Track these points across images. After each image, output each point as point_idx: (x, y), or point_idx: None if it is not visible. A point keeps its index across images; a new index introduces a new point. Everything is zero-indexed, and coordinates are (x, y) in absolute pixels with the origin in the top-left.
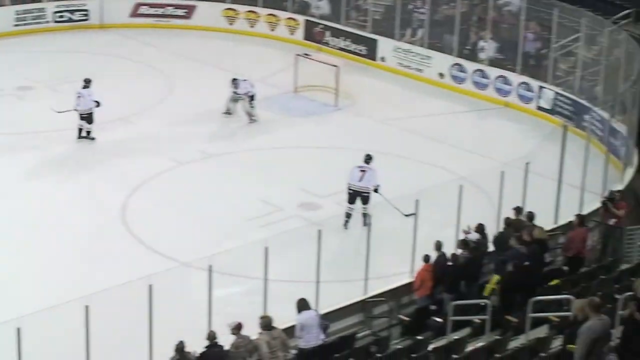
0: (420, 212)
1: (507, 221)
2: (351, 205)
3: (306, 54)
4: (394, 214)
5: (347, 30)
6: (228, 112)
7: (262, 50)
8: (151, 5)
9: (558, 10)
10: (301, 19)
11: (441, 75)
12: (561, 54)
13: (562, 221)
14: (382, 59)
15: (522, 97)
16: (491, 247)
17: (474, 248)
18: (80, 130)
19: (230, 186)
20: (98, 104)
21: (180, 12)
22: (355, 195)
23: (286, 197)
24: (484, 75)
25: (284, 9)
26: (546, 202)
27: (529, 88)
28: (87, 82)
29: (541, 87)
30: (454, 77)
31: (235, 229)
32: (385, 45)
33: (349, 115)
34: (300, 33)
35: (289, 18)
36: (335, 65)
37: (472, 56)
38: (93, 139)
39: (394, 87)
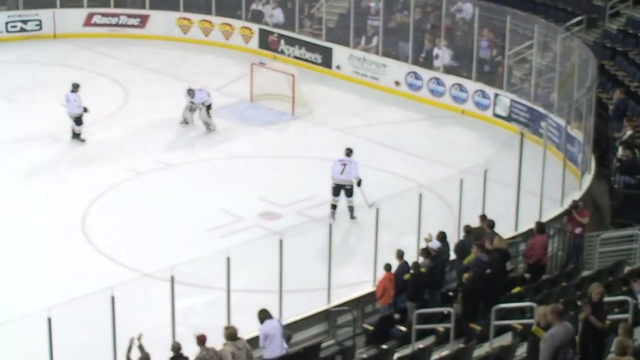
0: (381, 220)
1: (467, 229)
2: (335, 197)
3: (262, 63)
4: (355, 223)
5: (302, 39)
6: (185, 122)
7: (217, 60)
8: (104, 15)
9: (511, 18)
10: (255, 27)
11: (397, 83)
12: (515, 61)
13: (522, 228)
14: (338, 67)
15: (478, 105)
16: (452, 256)
17: (435, 256)
18: (73, 131)
19: (189, 196)
20: (85, 109)
21: (134, 21)
22: (339, 188)
23: (246, 206)
24: (439, 82)
25: (239, 18)
26: (505, 209)
27: (484, 95)
28: (75, 87)
29: (497, 95)
30: (410, 85)
31: (196, 239)
32: (340, 54)
33: (307, 124)
34: (255, 42)
35: (244, 27)
36: (291, 74)
37: (428, 64)
38: (83, 140)
39: (350, 95)
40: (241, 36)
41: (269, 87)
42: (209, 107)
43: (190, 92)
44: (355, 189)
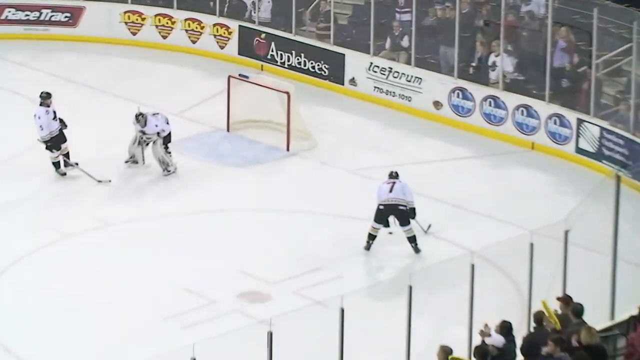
0: (415, 301)
1: (538, 316)
2: (378, 225)
3: (243, 76)
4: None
5: (301, 42)
6: (133, 160)
7: (180, 71)
8: (19, 8)
9: (599, 11)
10: (235, 25)
11: (437, 104)
12: (607, 72)
13: (622, 316)
14: (353, 82)
15: (553, 136)
16: (520, 357)
17: (496, 358)
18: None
19: (137, 269)
20: (63, 122)
21: (61, 16)
22: (387, 212)
23: (220, 283)
24: (497, 104)
25: (211, 12)
26: (596, 287)
27: (562, 122)
28: (45, 98)
29: (581, 121)
30: (455, 107)
31: (148, 332)
32: (355, 62)
33: (307, 164)
34: (234, 46)
35: (218, 24)
36: (285, 92)
37: (481, 77)
38: (74, 164)
39: (370, 121)
40: (214, 37)
41: (253, 110)
42: (166, 139)
43: (140, 118)
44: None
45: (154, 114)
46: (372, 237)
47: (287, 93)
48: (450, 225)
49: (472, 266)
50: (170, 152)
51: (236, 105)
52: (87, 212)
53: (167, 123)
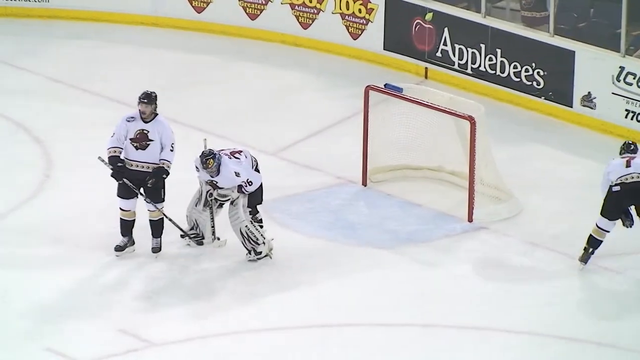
0: None
1: None
2: (607, 224)
3: (391, 88)
4: None
5: (498, 29)
6: (194, 235)
7: (277, 76)
8: None
9: None
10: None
11: None
12: None
13: None
14: (587, 100)
15: None
16: None
17: None
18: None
19: None
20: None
21: None
22: (627, 196)
23: None
24: None
25: None
26: None
27: None
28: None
29: None
30: None
31: None
32: (594, 67)
33: (503, 244)
34: (376, 34)
35: None
36: (466, 118)
37: None
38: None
39: None
40: (341, 20)
41: (409, 149)
42: (254, 199)
43: (210, 162)
44: None
45: (232, 153)
46: (594, 243)
47: (471, 119)
48: None
49: None
50: (261, 222)
51: (379, 140)
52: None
53: (256, 169)
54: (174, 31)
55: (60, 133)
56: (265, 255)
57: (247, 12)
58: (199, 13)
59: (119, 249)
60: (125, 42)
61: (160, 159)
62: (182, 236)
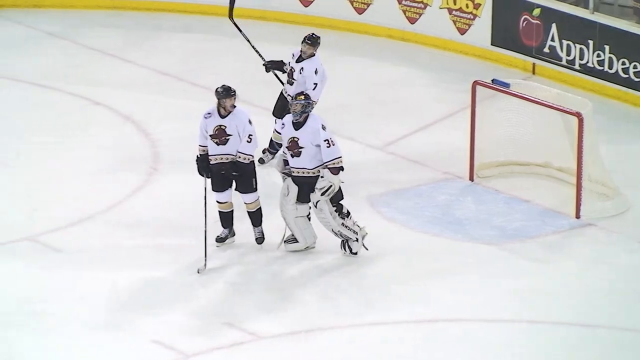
0: None
1: None
2: None
3: (499, 83)
4: None
5: (607, 25)
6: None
7: (384, 69)
8: None
9: None
10: None
11: None
12: None
13: None
14: None
15: None
16: None
17: None
18: None
19: None
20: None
21: None
22: None
23: None
24: None
25: None
26: None
27: None
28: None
29: None
30: None
31: None
32: None
33: (611, 242)
34: (483, 30)
35: None
36: (574, 114)
37: None
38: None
39: None
40: (449, 15)
41: (517, 145)
42: (337, 196)
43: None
44: None
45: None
46: None
47: (578, 115)
48: None
49: None
50: (348, 214)
51: (487, 135)
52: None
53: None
54: (281, 25)
55: (167, 126)
56: (360, 247)
57: (354, 6)
58: (306, 7)
59: (220, 240)
60: (233, 35)
61: (237, 151)
62: (285, 241)
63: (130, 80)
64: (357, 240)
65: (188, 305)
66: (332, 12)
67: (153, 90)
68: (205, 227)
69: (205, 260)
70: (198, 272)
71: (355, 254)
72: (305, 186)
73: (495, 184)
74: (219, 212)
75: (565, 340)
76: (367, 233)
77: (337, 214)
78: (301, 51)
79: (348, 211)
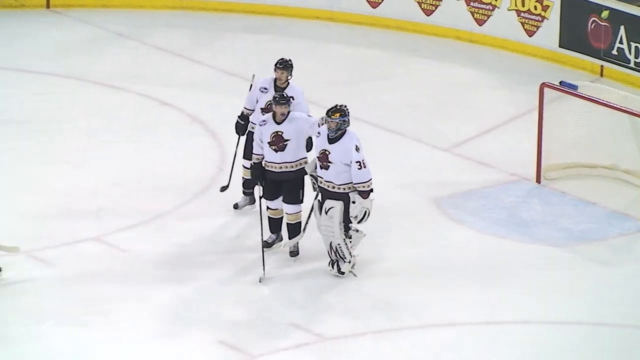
0: None
1: None
2: None
3: (567, 85)
4: None
5: None
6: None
7: (451, 71)
8: None
9: None
10: None
11: None
12: None
13: None
14: None
15: None
16: None
17: None
18: None
19: None
20: None
21: None
22: None
23: None
24: None
25: None
26: None
27: None
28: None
29: None
30: None
31: None
32: None
33: None
34: (551, 31)
35: None
36: None
37: None
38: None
39: None
40: (517, 17)
41: (584, 146)
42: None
43: (336, 109)
44: None
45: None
46: None
47: None
48: None
49: None
50: (350, 237)
51: (554, 137)
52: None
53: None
54: (349, 26)
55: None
56: (347, 273)
57: (422, 7)
58: (374, 8)
59: (267, 245)
60: (301, 36)
61: (301, 158)
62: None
63: (197, 81)
64: (349, 262)
65: (253, 306)
66: (400, 13)
67: (220, 90)
68: (262, 235)
69: (264, 268)
70: (260, 282)
71: (343, 273)
72: (347, 201)
73: (562, 186)
74: (269, 217)
75: (630, 343)
76: (355, 263)
77: (344, 230)
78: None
79: (351, 235)
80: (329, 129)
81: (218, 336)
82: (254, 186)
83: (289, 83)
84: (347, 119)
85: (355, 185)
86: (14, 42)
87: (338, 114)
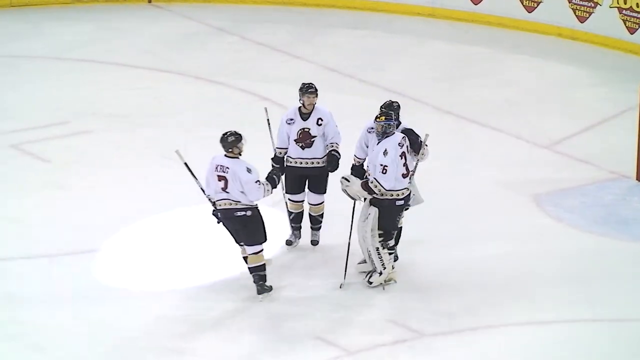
0: None
1: None
2: None
3: None
4: None
5: None
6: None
7: (556, 70)
8: None
9: None
10: None
11: None
12: None
13: None
14: None
15: None
16: None
17: None
18: None
19: None
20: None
21: None
22: None
23: None
24: None
25: None
26: None
27: None
28: None
29: None
30: None
31: None
32: None
33: None
34: None
35: None
36: None
37: None
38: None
39: None
40: (618, 14)
41: None
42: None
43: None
44: None
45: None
46: None
47: None
48: None
49: None
50: (391, 249)
51: None
52: (382, 315)
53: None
54: (450, 22)
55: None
56: (378, 285)
57: (524, 4)
58: (476, 5)
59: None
60: (402, 32)
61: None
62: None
63: (298, 76)
64: (380, 274)
65: (350, 303)
66: (502, 10)
67: (321, 86)
68: (349, 240)
69: (345, 273)
70: (340, 287)
71: (371, 283)
72: (383, 209)
73: None
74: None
75: None
76: (394, 280)
77: (377, 237)
78: (303, 106)
79: (390, 249)
80: (376, 133)
81: (315, 332)
82: (301, 220)
83: (313, 106)
84: (392, 123)
85: (368, 180)
86: (116, 36)
87: (383, 117)
